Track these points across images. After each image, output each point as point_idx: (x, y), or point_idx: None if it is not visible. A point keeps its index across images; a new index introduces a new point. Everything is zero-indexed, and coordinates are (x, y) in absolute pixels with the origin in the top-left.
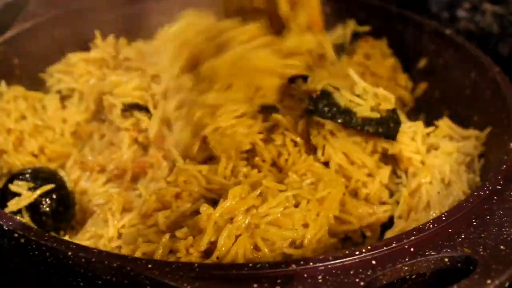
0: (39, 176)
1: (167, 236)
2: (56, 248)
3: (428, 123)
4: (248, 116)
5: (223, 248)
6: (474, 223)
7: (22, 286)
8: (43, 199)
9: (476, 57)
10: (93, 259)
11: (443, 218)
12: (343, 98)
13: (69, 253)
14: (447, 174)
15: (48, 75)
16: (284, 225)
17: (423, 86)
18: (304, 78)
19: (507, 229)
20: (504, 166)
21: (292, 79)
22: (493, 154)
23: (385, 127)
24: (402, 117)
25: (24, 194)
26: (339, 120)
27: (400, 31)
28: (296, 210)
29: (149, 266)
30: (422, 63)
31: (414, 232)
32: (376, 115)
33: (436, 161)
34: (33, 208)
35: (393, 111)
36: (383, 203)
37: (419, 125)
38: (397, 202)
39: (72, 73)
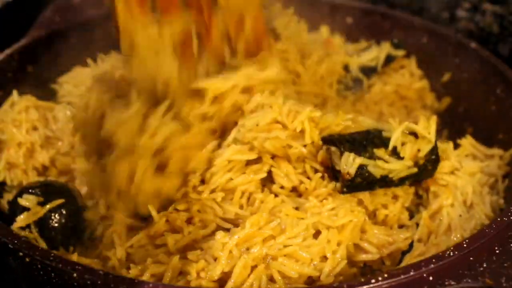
0: (49, 190)
1: (176, 258)
2: (61, 269)
3: (451, 139)
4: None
5: (238, 279)
6: (497, 251)
7: None
8: (52, 214)
9: (502, 72)
10: (99, 282)
11: (465, 245)
12: (378, 170)
13: (75, 275)
14: (469, 195)
15: (59, 85)
16: (302, 259)
17: (446, 101)
18: (333, 142)
19: None
20: None
21: (326, 140)
22: None
23: (423, 174)
24: None
25: (33, 209)
26: (376, 187)
27: (424, 43)
28: (315, 242)
29: None
30: (446, 77)
31: (434, 260)
32: (413, 170)
33: (459, 182)
34: (42, 223)
35: (432, 150)
36: (402, 225)
37: (449, 146)
38: (417, 224)
39: (81, 85)
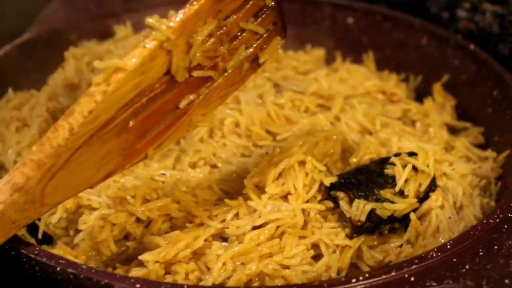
0: None
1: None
2: (45, 263)
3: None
4: None
5: None
6: (481, 253)
7: None
8: None
9: (499, 74)
10: (81, 276)
11: (448, 247)
12: (385, 212)
13: (58, 269)
14: (459, 197)
15: None
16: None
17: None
18: (339, 187)
19: None
20: None
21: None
22: (510, 178)
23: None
24: None
25: None
26: (382, 227)
27: (424, 44)
28: (313, 268)
29: (137, 285)
30: (445, 78)
31: (416, 261)
32: (416, 206)
33: (450, 184)
34: None
35: (432, 182)
36: (392, 227)
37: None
38: (405, 226)
39: None
